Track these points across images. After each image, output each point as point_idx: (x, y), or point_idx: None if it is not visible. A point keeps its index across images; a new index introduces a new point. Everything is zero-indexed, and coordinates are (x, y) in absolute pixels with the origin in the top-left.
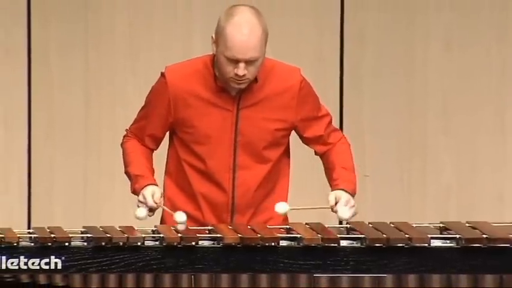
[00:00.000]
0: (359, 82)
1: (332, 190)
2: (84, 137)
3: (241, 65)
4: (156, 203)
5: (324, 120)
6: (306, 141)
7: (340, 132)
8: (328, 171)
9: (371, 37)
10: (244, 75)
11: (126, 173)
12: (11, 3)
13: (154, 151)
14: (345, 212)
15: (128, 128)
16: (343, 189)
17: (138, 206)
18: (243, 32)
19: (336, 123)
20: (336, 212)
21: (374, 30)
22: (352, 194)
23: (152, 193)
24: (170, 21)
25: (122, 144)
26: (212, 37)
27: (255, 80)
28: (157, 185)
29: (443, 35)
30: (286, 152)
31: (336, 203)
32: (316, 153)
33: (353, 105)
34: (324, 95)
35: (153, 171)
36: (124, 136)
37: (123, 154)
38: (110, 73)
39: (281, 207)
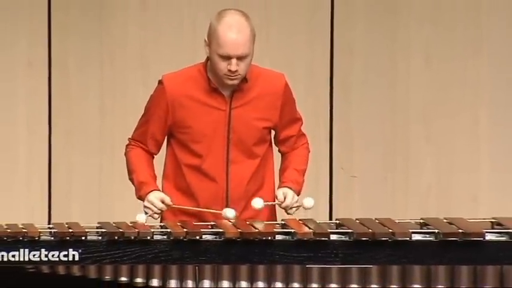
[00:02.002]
0: (347, 92)
1: (279, 187)
2: (99, 142)
3: (234, 61)
4: (168, 205)
5: (299, 123)
6: (279, 140)
7: (306, 137)
8: (282, 168)
9: (358, 51)
10: (236, 71)
11: (131, 180)
12: (33, 20)
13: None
14: (309, 202)
15: (130, 137)
16: (289, 188)
17: (145, 212)
18: (234, 31)
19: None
20: (285, 207)
21: (361, 45)
22: (297, 194)
23: (160, 198)
24: (177, 36)
25: (125, 154)
26: (205, 40)
27: (245, 80)
28: (160, 191)
29: (423, 49)
30: (270, 147)
31: (284, 199)
32: (279, 151)
33: (342, 113)
34: (316, 103)
35: (155, 178)
36: (127, 145)
37: (127, 163)
38: (123, 84)
39: (258, 203)
